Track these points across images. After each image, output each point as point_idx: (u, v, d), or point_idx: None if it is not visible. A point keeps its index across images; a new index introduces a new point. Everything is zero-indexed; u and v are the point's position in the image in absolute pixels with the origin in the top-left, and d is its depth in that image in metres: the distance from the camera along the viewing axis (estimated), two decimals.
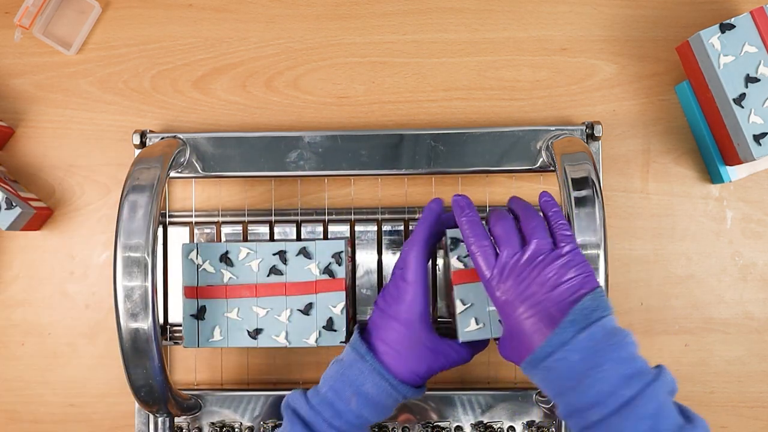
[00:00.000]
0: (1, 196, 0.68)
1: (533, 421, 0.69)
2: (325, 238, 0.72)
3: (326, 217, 0.72)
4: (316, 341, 0.65)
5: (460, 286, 0.58)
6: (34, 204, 0.72)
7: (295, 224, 0.72)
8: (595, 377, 0.48)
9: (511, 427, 0.69)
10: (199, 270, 0.67)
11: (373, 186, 0.74)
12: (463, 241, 0.57)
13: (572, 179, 0.58)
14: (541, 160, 0.69)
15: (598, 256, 0.55)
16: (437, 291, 0.70)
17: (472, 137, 0.70)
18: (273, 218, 0.73)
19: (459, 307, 0.57)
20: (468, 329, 0.57)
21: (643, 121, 0.74)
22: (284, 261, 0.66)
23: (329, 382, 0.58)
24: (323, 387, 0.58)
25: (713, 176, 0.72)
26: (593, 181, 0.58)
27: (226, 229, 0.72)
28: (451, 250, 0.58)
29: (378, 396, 0.56)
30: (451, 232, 0.59)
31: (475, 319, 0.57)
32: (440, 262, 0.69)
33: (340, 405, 0.56)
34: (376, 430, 0.70)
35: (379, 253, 0.71)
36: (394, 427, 0.70)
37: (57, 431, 0.75)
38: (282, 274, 0.66)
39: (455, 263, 0.58)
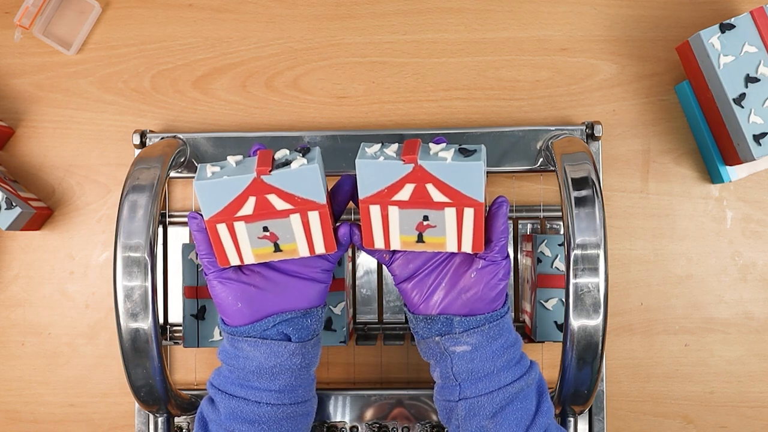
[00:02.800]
0: (1, 196, 0.68)
1: None
2: None
3: None
4: None
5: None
6: (34, 204, 0.72)
7: None
8: None
9: None
10: (199, 270, 0.67)
11: None
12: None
13: (572, 179, 0.58)
14: (541, 160, 0.69)
15: (598, 256, 0.55)
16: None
17: (472, 137, 0.70)
18: None
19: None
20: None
21: (643, 121, 0.74)
22: None
23: None
24: None
25: (713, 176, 0.72)
26: (593, 181, 0.58)
27: None
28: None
29: (230, 348, 0.57)
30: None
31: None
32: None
33: (222, 367, 0.58)
34: (376, 430, 0.70)
35: None
36: (394, 427, 0.70)
37: (57, 431, 0.75)
38: None
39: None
